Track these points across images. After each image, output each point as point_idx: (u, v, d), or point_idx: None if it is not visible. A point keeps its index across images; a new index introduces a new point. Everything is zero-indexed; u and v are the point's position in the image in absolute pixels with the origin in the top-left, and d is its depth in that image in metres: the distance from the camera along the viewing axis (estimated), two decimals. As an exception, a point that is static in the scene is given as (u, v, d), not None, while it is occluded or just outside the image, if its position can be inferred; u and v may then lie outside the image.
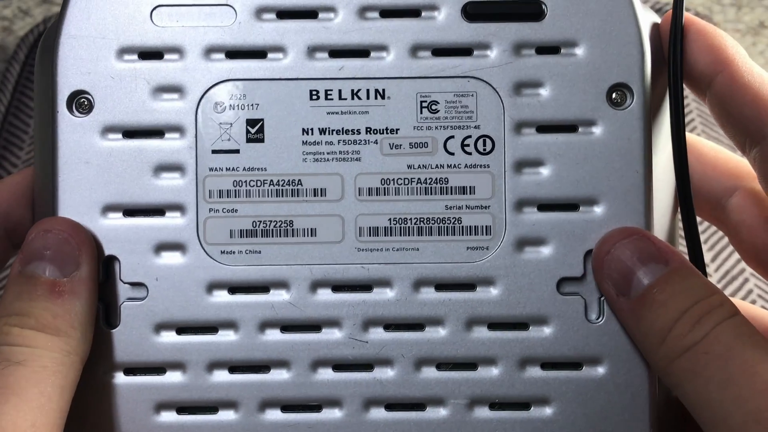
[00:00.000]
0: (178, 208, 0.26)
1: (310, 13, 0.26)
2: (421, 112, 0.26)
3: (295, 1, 0.26)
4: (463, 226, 0.26)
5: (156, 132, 0.26)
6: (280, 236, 0.26)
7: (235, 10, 0.26)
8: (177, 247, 0.26)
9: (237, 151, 0.26)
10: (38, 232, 0.25)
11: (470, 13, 0.26)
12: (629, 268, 0.25)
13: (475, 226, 0.26)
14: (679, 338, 0.23)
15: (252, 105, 0.26)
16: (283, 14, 0.26)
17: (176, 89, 0.26)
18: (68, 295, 0.24)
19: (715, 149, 0.28)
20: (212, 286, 0.26)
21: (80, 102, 0.26)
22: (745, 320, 0.23)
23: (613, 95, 0.26)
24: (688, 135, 0.27)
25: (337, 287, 0.26)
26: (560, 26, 0.26)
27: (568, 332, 0.26)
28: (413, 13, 0.26)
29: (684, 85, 0.27)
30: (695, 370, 0.23)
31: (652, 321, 0.24)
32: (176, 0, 0.26)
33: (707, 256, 0.46)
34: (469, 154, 0.26)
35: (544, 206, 0.26)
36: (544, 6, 0.26)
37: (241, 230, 0.26)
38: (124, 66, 0.26)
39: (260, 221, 0.26)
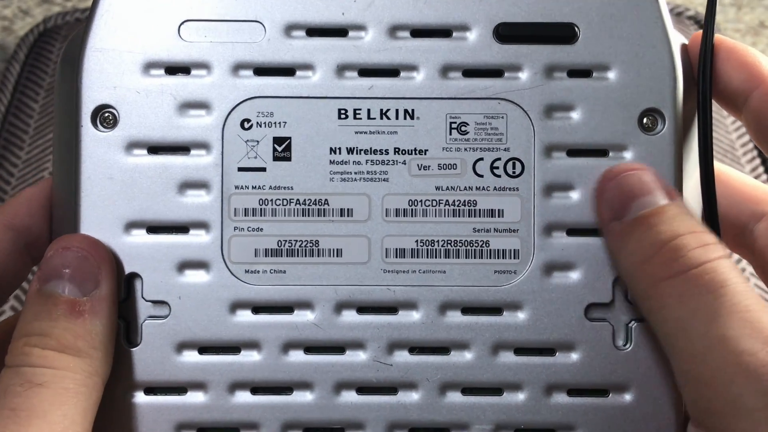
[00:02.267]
0: (203, 225, 0.26)
1: (340, 31, 0.26)
2: (450, 134, 0.26)
3: (325, 18, 0.26)
4: (490, 250, 0.26)
5: (181, 148, 0.26)
6: (306, 256, 0.26)
7: (264, 27, 0.26)
8: (201, 265, 0.26)
9: (263, 169, 0.26)
10: (57, 249, 0.25)
11: (502, 35, 0.26)
12: (630, 194, 0.24)
13: (503, 250, 0.26)
14: (670, 260, 0.23)
15: (279, 123, 0.26)
16: (313, 32, 0.26)
17: (203, 105, 0.26)
18: (88, 315, 0.24)
19: (741, 177, 0.28)
20: (236, 306, 0.26)
21: (105, 116, 0.26)
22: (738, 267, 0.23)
23: (645, 120, 0.26)
24: (715, 164, 0.27)
25: (362, 309, 0.26)
26: (592, 50, 0.26)
27: (595, 359, 0.26)
28: (444, 33, 0.26)
29: (719, 104, 0.27)
30: (682, 296, 0.22)
31: (642, 239, 0.23)
32: (205, 15, 0.26)
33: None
34: (498, 176, 0.26)
35: (573, 231, 0.26)
36: (576, 29, 0.26)
37: (266, 249, 0.26)
38: (151, 81, 0.26)
39: (285, 240, 0.26)
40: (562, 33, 0.26)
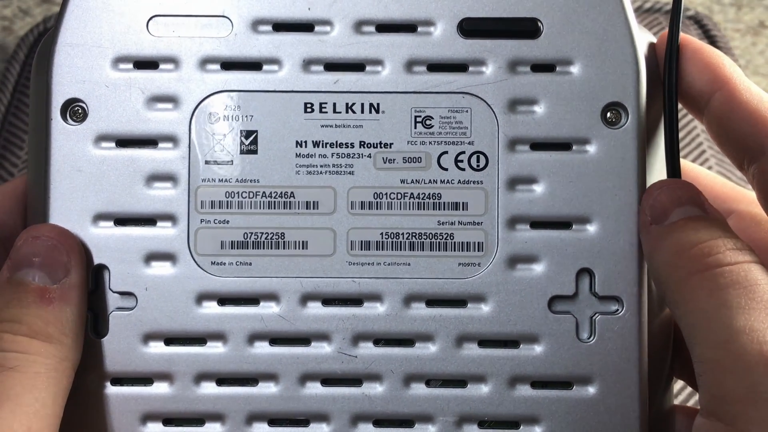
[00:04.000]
0: (170, 218, 0.26)
1: (307, 26, 0.26)
2: (415, 127, 0.26)
3: (292, 14, 0.26)
4: (455, 242, 0.26)
5: (149, 141, 0.26)
6: (272, 248, 0.26)
7: (231, 22, 0.26)
8: (167, 257, 0.26)
9: (230, 162, 0.26)
10: (27, 238, 0.25)
11: (466, 30, 0.26)
12: (674, 202, 0.25)
13: (467, 242, 0.26)
14: (705, 255, 0.23)
15: (246, 116, 0.26)
16: (280, 27, 0.26)
17: (171, 99, 0.26)
18: (58, 302, 0.24)
19: (710, 175, 0.28)
20: (202, 297, 0.26)
21: (74, 110, 0.26)
22: None
23: (608, 114, 0.26)
24: (684, 162, 0.27)
25: (327, 301, 0.26)
26: (556, 44, 0.26)
27: (558, 351, 0.26)
28: (409, 28, 0.26)
29: (682, 105, 0.27)
30: (713, 288, 0.22)
31: (680, 238, 0.24)
32: (173, 10, 0.26)
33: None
34: (463, 170, 0.26)
35: (536, 224, 0.26)
36: (540, 24, 0.26)
37: (232, 241, 0.26)
38: (119, 75, 0.26)
39: (252, 233, 0.26)
40: (525, 28, 0.26)
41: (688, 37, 0.26)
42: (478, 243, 0.26)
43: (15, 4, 0.78)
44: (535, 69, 0.26)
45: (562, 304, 0.26)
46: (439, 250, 0.26)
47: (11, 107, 0.53)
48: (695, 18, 0.58)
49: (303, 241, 0.26)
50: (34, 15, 0.77)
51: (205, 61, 0.26)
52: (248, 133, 0.26)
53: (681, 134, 0.48)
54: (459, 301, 0.26)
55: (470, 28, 0.26)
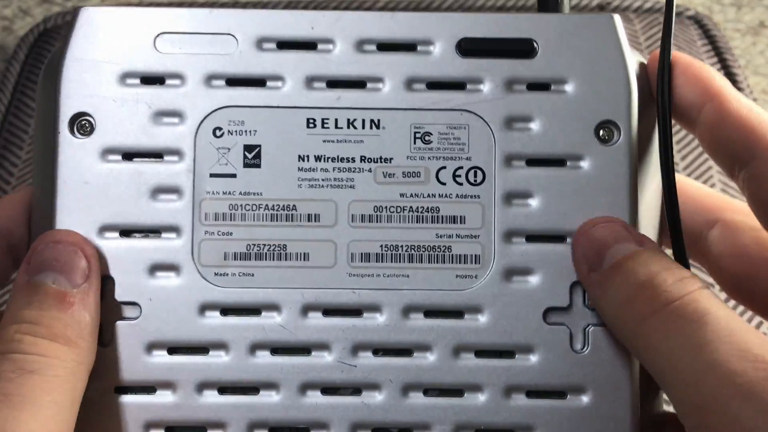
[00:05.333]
0: (175, 229, 0.27)
1: (310, 45, 0.27)
2: (415, 143, 0.27)
3: (295, 32, 0.27)
4: (452, 255, 0.27)
5: (155, 155, 0.27)
6: (274, 260, 0.27)
7: (236, 40, 0.27)
8: (171, 268, 0.26)
9: (234, 176, 0.27)
10: (47, 242, 0.26)
11: (464, 49, 0.27)
12: (603, 245, 0.25)
13: (464, 255, 0.27)
14: (651, 298, 0.23)
15: (250, 131, 0.27)
16: (283, 45, 0.27)
17: (176, 114, 0.27)
18: (77, 306, 0.25)
19: (695, 185, 0.29)
20: (205, 308, 0.26)
21: (82, 124, 0.27)
22: (718, 295, 0.24)
23: (601, 132, 0.27)
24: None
25: (328, 311, 0.27)
26: (551, 64, 0.27)
27: (553, 361, 0.26)
28: (409, 47, 0.27)
29: (674, 120, 0.27)
30: (668, 330, 0.23)
31: (621, 283, 0.24)
32: (179, 27, 0.27)
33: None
34: (461, 184, 0.27)
35: (532, 237, 0.27)
36: (535, 44, 0.27)
37: (235, 253, 0.27)
38: (126, 90, 0.27)
39: (254, 245, 0.27)
40: (521, 48, 0.27)
41: (678, 54, 0.27)
42: (475, 255, 0.27)
43: (15, 4, 0.78)
44: (531, 88, 0.27)
45: (557, 315, 0.27)
46: (437, 263, 0.27)
47: (11, 107, 0.53)
48: (695, 18, 0.58)
49: (304, 253, 0.27)
50: (34, 15, 0.77)
51: (210, 78, 0.27)
52: (251, 148, 0.27)
53: (688, 149, 0.49)
54: (456, 312, 0.27)
55: (469, 47, 0.27)
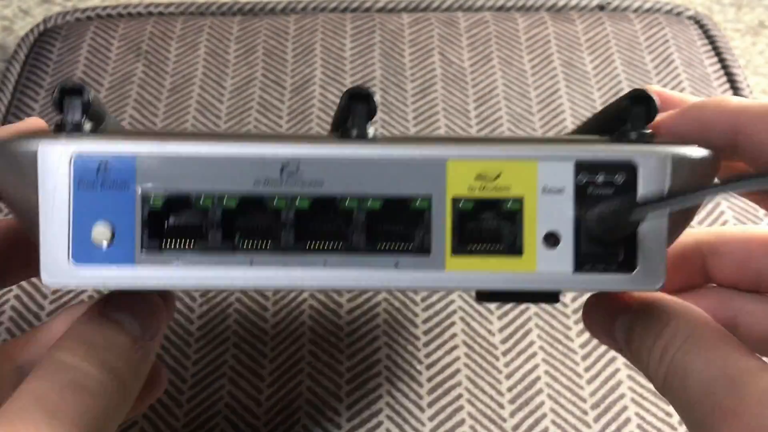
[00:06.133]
0: None
1: None
2: None
3: None
4: None
5: None
6: None
7: None
8: None
9: None
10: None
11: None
12: (606, 320, 0.27)
13: None
14: (654, 374, 0.25)
15: None
16: None
17: None
18: (142, 354, 0.26)
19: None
20: None
21: None
22: (692, 336, 0.24)
23: None
24: None
25: None
26: None
27: None
28: None
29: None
30: (673, 398, 0.24)
31: (636, 362, 0.26)
32: None
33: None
34: None
35: None
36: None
37: None
38: None
39: None
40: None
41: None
42: None
43: (15, 4, 0.78)
44: None
45: None
46: None
47: (11, 107, 0.54)
48: (695, 18, 0.58)
49: None
50: (34, 15, 0.77)
51: None
52: None
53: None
54: None
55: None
